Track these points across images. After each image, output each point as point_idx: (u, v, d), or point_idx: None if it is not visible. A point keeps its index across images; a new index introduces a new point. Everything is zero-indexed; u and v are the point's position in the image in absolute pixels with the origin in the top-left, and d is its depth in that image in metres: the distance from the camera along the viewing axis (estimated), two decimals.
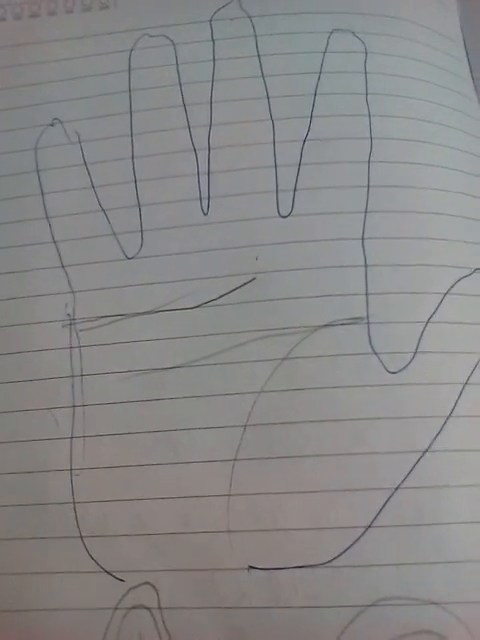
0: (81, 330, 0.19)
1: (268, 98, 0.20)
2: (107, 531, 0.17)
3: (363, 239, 0.19)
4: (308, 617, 0.16)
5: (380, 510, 0.16)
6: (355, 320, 0.18)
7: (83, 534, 0.17)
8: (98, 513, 0.17)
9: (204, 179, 0.20)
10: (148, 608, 0.16)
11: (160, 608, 0.16)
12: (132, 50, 0.22)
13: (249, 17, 0.21)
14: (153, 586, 0.17)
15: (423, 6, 0.22)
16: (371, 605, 0.16)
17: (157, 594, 0.16)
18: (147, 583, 0.17)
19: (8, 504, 0.18)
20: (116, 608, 0.16)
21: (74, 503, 0.17)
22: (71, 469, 0.18)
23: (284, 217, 0.19)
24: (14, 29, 0.23)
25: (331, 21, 0.21)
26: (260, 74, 0.21)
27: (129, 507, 0.17)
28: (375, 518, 0.16)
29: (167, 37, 0.22)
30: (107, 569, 0.17)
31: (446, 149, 0.20)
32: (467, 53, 0.22)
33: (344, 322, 0.18)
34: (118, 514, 0.17)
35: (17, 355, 0.19)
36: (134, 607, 0.16)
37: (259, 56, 0.21)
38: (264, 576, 0.16)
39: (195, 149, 0.20)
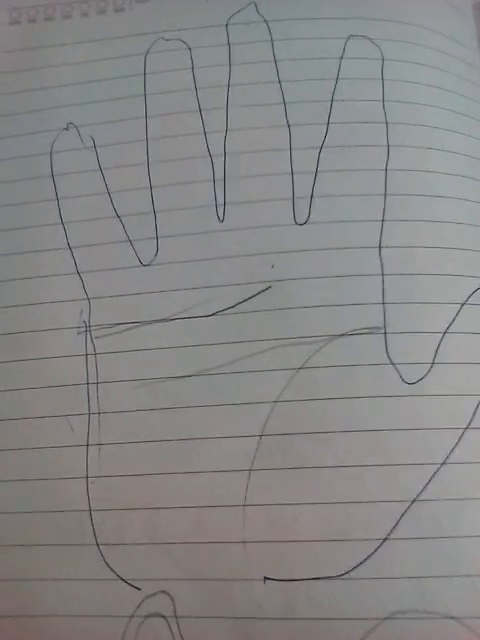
0: (97, 337, 0.19)
1: (284, 104, 0.20)
2: (123, 539, 0.17)
3: (380, 248, 0.19)
4: (323, 629, 0.16)
5: (397, 522, 0.16)
6: (372, 330, 0.18)
7: (100, 542, 0.17)
8: (114, 521, 0.17)
9: (220, 185, 0.20)
10: (164, 616, 0.16)
11: (176, 617, 0.16)
12: (147, 54, 0.21)
13: (265, 22, 0.21)
14: (169, 595, 0.17)
15: (439, 13, 0.22)
16: (387, 618, 0.16)
17: (173, 603, 0.17)
18: (163, 592, 0.17)
19: (25, 511, 0.18)
20: (132, 616, 0.17)
21: (90, 511, 0.17)
22: (87, 477, 0.18)
23: (300, 225, 0.19)
24: (29, 32, 0.23)
25: (348, 27, 0.21)
26: (276, 79, 0.20)
27: (145, 515, 0.17)
28: (392, 530, 0.16)
29: (183, 41, 0.21)
30: (123, 577, 0.17)
31: (463, 157, 0.20)
32: None
33: (361, 332, 0.18)
34: (134, 522, 0.17)
35: (32, 361, 0.19)
36: (150, 615, 0.17)
37: (275, 61, 0.21)
38: (279, 587, 0.16)
39: (211, 155, 0.20)
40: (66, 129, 0.21)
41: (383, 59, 0.20)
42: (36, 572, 0.17)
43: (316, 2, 0.21)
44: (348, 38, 0.21)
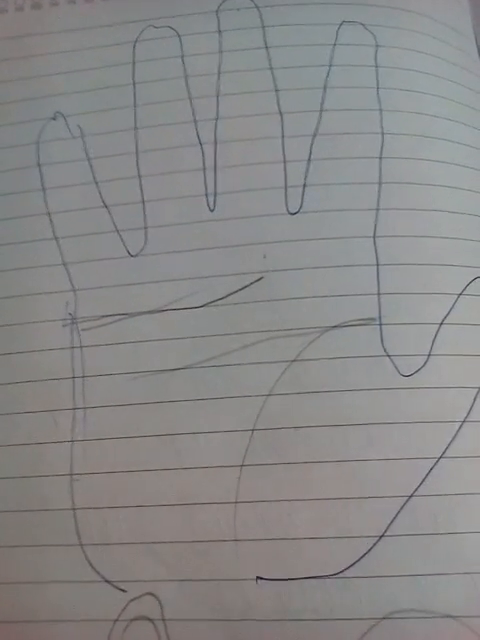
0: (83, 330, 0.18)
1: (276, 91, 0.20)
2: (108, 539, 0.16)
3: (375, 237, 0.18)
4: (318, 630, 0.15)
5: (393, 519, 0.16)
6: (367, 321, 0.17)
7: (83, 542, 0.16)
8: (99, 520, 0.17)
9: (210, 174, 0.19)
10: (151, 620, 0.16)
11: (163, 619, 0.16)
12: (136, 42, 0.21)
13: (257, 8, 0.21)
14: (156, 597, 0.16)
15: None
16: (384, 618, 0.15)
17: (160, 605, 0.16)
18: (150, 594, 0.16)
19: (5, 510, 0.17)
20: (117, 619, 0.16)
21: (74, 509, 0.17)
22: (71, 474, 0.17)
23: (293, 214, 0.19)
24: (16, 20, 0.22)
25: (341, 13, 0.20)
26: (268, 66, 0.20)
27: (131, 514, 0.16)
28: (388, 527, 0.16)
29: (172, 28, 0.21)
30: (108, 579, 0.16)
31: (459, 145, 0.20)
32: (478, 47, 0.22)
33: (355, 323, 0.17)
34: (120, 521, 0.16)
35: (16, 355, 0.18)
36: (136, 618, 0.16)
37: (267, 48, 0.20)
38: (272, 587, 0.16)
39: (201, 143, 0.20)
40: (54, 118, 0.21)
41: (377, 45, 0.20)
42: (17, 574, 0.17)
43: None
44: (341, 24, 0.20)
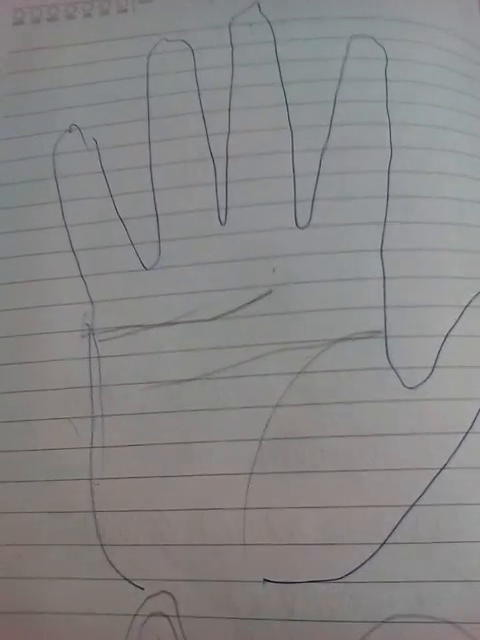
0: (100, 340, 0.19)
1: (287, 105, 0.20)
2: (127, 540, 0.17)
3: (382, 251, 0.19)
4: (321, 631, 0.16)
5: (395, 527, 0.16)
6: (372, 334, 0.18)
7: (104, 542, 0.17)
8: (118, 522, 0.17)
9: (222, 188, 0.20)
10: (167, 616, 0.17)
11: (178, 616, 0.17)
12: (150, 55, 0.21)
13: (268, 22, 0.21)
14: (171, 595, 0.17)
15: (444, 11, 0.21)
16: (384, 622, 0.16)
17: (175, 602, 0.17)
18: (165, 592, 0.17)
19: (31, 511, 0.18)
20: (136, 615, 0.17)
21: (94, 512, 0.18)
22: (91, 479, 0.18)
23: (302, 228, 0.19)
24: (32, 33, 0.23)
25: (351, 27, 0.20)
26: (279, 81, 0.20)
27: (147, 517, 0.17)
28: (390, 535, 0.16)
29: (185, 42, 0.21)
30: (127, 577, 0.17)
31: (467, 158, 0.20)
32: None
33: (361, 336, 0.18)
34: (137, 524, 0.17)
35: (37, 364, 0.19)
36: (153, 614, 0.17)
37: (278, 62, 0.20)
38: (278, 589, 0.16)
39: (213, 158, 0.20)
40: (69, 131, 0.21)
41: (387, 59, 0.20)
42: (42, 571, 0.18)
43: (319, 2, 0.21)
44: (351, 38, 0.20)
